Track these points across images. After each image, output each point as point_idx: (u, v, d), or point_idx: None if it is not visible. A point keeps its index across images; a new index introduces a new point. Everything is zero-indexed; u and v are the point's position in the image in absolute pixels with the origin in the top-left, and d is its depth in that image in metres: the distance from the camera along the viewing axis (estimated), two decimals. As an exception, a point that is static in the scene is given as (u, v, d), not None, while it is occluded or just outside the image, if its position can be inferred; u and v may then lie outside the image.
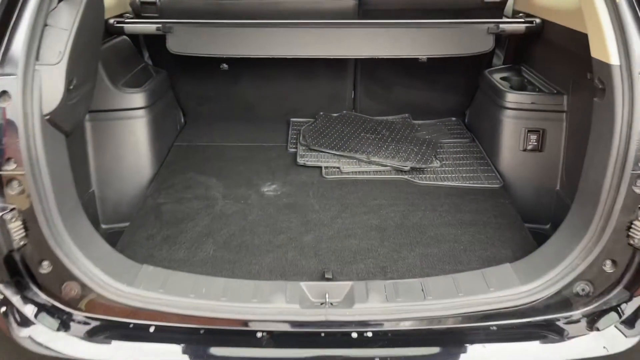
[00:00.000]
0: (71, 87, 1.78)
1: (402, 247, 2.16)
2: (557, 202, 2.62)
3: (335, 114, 3.41)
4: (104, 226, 2.69)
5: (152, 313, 1.77)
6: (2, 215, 1.62)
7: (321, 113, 3.41)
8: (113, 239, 2.54)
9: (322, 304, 1.80)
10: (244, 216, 2.38)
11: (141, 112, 2.72)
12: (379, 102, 3.48)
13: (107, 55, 2.70)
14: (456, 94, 3.44)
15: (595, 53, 1.78)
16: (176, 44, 2.90)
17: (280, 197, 2.54)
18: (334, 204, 2.47)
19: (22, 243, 1.67)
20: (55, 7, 1.74)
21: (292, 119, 3.41)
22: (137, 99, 2.71)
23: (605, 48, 1.69)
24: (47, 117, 1.70)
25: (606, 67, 1.69)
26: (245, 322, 1.77)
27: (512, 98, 2.71)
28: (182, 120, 3.41)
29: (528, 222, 2.58)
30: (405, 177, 2.70)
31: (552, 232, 2.68)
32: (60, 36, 1.72)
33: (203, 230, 2.28)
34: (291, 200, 2.51)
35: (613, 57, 1.67)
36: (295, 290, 1.84)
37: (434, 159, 2.84)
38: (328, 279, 1.95)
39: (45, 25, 1.70)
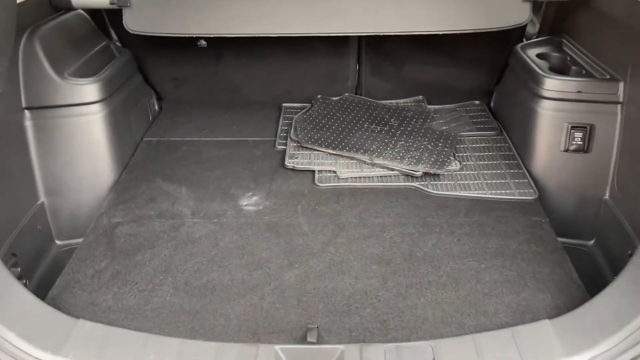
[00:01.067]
0: None
1: (409, 290, 1.70)
2: (605, 214, 2.12)
3: (335, 98, 2.89)
4: (59, 242, 2.29)
5: (83, 392, 1.37)
6: None
7: (319, 97, 2.90)
8: (68, 259, 2.16)
9: (302, 378, 1.38)
10: (214, 242, 1.93)
11: (96, 107, 2.24)
12: (388, 82, 2.94)
13: (50, 36, 2.21)
14: (480, 71, 2.87)
15: None
16: (135, 21, 2.37)
17: (262, 213, 2.07)
18: (326, 223, 2.01)
19: None
20: None
21: (284, 104, 2.90)
22: (89, 90, 2.23)
23: None
24: None
25: None
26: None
27: (553, 85, 2.16)
28: (156, 106, 2.92)
29: (566, 236, 2.11)
30: (416, 184, 2.20)
31: (596, 250, 2.21)
32: None
33: (162, 263, 1.84)
34: (274, 218, 2.04)
35: None
36: (269, 357, 1.42)
37: (452, 159, 2.33)
38: (311, 343, 1.51)
39: None
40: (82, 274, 1.80)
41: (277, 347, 1.47)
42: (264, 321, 1.61)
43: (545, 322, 1.51)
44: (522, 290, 1.69)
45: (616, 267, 1.84)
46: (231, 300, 1.68)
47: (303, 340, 1.53)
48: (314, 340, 1.51)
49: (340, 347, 1.47)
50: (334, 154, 2.39)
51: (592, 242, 2.22)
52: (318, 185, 2.22)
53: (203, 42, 2.75)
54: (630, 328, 1.37)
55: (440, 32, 2.35)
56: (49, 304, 1.63)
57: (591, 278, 1.83)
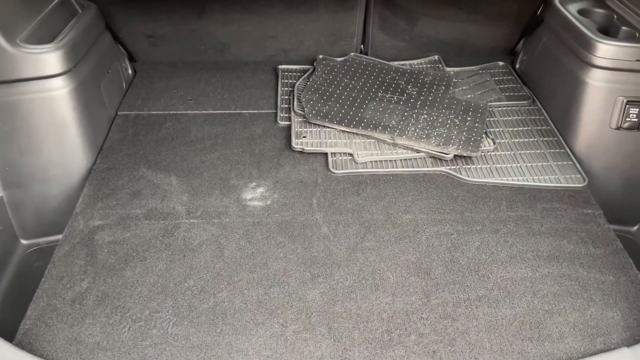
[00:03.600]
0: None
1: (457, 310, 1.44)
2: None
3: (339, 59, 2.51)
4: (24, 242, 1.95)
5: None
6: None
7: (320, 57, 2.51)
8: (38, 261, 1.84)
9: None
10: (218, 251, 1.61)
11: (60, 81, 1.82)
12: (399, 39, 2.56)
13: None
14: (504, 26, 2.51)
15: None
16: None
17: (271, 210, 1.75)
18: (349, 222, 1.70)
19: None
20: None
21: (280, 67, 2.50)
22: (50, 60, 1.79)
23: None
24: None
25: None
26: None
27: (607, 51, 1.84)
28: (130, 70, 2.48)
29: (609, 222, 1.87)
30: (447, 169, 1.90)
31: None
32: None
33: (158, 281, 1.52)
34: (286, 216, 1.73)
35: None
36: None
37: (486, 137, 2.03)
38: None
39: None
40: (59, 299, 1.47)
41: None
42: (290, 357, 1.33)
43: (624, 352, 1.29)
44: (588, 305, 1.46)
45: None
46: (247, 330, 1.39)
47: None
48: (356, 387, 1.25)
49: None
50: (348, 132, 2.05)
51: (635, 228, 2.01)
52: (333, 172, 1.89)
53: (183, -7, 2.30)
54: None
55: None
56: (21, 342, 1.31)
57: (638, 267, 1.60)
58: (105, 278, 1.53)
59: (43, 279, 1.53)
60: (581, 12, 2.12)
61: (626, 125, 1.86)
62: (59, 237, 1.68)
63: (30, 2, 1.93)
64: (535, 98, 2.27)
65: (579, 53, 1.93)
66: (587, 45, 1.89)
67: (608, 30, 2.03)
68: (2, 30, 1.71)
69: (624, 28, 1.98)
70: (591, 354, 1.32)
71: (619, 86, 1.85)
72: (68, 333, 1.38)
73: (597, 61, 1.86)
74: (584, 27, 1.96)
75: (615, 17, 2.06)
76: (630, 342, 1.35)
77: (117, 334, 1.38)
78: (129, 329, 1.40)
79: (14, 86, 1.76)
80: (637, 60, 1.80)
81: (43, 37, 1.86)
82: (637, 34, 1.92)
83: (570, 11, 2.11)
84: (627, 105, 1.84)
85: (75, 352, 1.34)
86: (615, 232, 1.94)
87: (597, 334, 1.39)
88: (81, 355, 1.33)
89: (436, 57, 2.57)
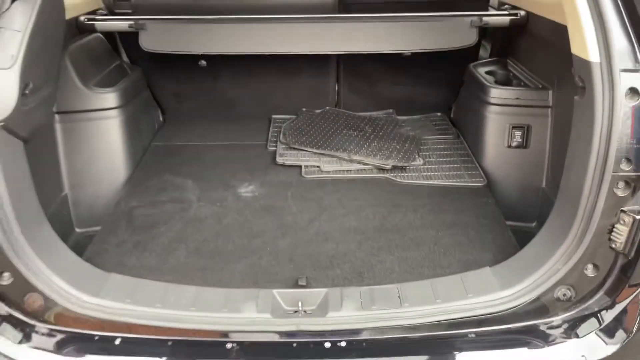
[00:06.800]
0: (27, 91, 1.70)
1: (380, 251, 2.10)
2: (543, 200, 2.55)
3: (318, 111, 3.33)
4: (78, 230, 2.62)
5: (119, 325, 1.71)
6: (-43, 227, 1.55)
7: (303, 109, 3.34)
8: (88, 242, 2.48)
9: (295, 312, 1.75)
10: (218, 220, 2.31)
11: (114, 112, 2.64)
12: (363, 98, 3.40)
13: (78, 54, 2.60)
14: (441, 88, 3.36)
15: (575, 49, 1.70)
16: (149, 41, 2.81)
17: (257, 198, 2.47)
18: (312, 205, 2.40)
19: None
20: (8, 8, 1.66)
21: (273, 116, 3.33)
22: (109, 98, 2.62)
23: (585, 44, 1.61)
24: (1, 123, 1.62)
25: (586, 64, 1.62)
26: (214, 333, 1.71)
27: (497, 93, 2.63)
28: (161, 118, 3.32)
29: (513, 220, 2.51)
30: (387, 175, 2.63)
31: (537, 231, 2.64)
32: (13, 38, 1.64)
33: (175, 235, 2.21)
34: (268, 202, 2.44)
35: (592, 54, 1.60)
36: (268, 298, 1.79)
37: (416, 156, 2.77)
38: (302, 286, 1.89)
39: None
40: (109, 244, 2.16)
41: (274, 290, 1.83)
42: (262, 274, 1.98)
43: (486, 269, 1.91)
44: (471, 250, 2.10)
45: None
46: (235, 261, 2.05)
47: (295, 285, 1.90)
48: (304, 284, 1.89)
49: (325, 290, 1.84)
50: (317, 153, 2.81)
51: (534, 224, 2.64)
52: (304, 177, 2.63)
53: (203, 62, 3.19)
54: (544, 268, 1.76)
55: (404, 51, 2.84)
56: (85, 262, 1.98)
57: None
58: (139, 233, 2.22)
59: (96, 234, 2.22)
60: (488, 72, 2.95)
61: (514, 144, 2.60)
62: None
63: (98, 64, 2.80)
64: (459, 134, 3.04)
65: (481, 96, 2.72)
66: (485, 90, 2.68)
67: (506, 83, 2.83)
68: (82, 78, 2.55)
69: (515, 81, 2.79)
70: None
71: (507, 116, 2.60)
72: (114, 261, 2.06)
73: (492, 100, 2.64)
74: (485, 80, 2.77)
75: (511, 74, 2.88)
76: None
77: (146, 261, 2.05)
78: (154, 259, 2.06)
79: (85, 114, 2.56)
80: (516, 98, 2.58)
81: (106, 84, 2.70)
82: (522, 83, 2.72)
83: (479, 72, 2.93)
84: (512, 129, 2.59)
85: (119, 270, 1.98)
86: (518, 228, 2.59)
87: (473, 264, 2.00)
88: (123, 272, 1.97)
89: (391, 110, 3.39)
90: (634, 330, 1.68)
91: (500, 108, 2.62)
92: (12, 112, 1.63)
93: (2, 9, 1.62)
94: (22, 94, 1.66)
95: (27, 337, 1.70)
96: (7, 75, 1.61)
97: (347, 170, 2.68)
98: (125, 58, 3.25)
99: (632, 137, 1.56)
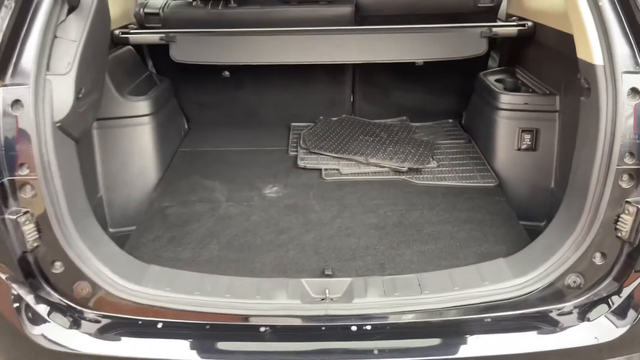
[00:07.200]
0: (80, 95, 1.87)
1: (399, 245, 2.23)
2: (552, 200, 2.68)
3: (334, 118, 3.49)
4: (111, 230, 2.77)
5: (160, 310, 1.85)
6: (16, 218, 1.70)
7: (321, 117, 3.50)
8: (120, 242, 2.61)
9: (322, 299, 1.88)
10: (246, 218, 2.46)
11: (146, 119, 2.81)
12: (377, 106, 3.57)
13: (113, 65, 2.79)
14: (453, 96, 3.51)
15: (580, 54, 1.85)
16: (179, 53, 2.99)
17: (282, 198, 2.62)
18: (333, 204, 2.55)
19: (35, 245, 1.76)
20: (65, 20, 1.84)
21: (292, 124, 3.49)
22: (142, 106, 2.80)
23: (589, 49, 1.76)
24: (58, 124, 1.79)
25: (591, 67, 1.77)
26: (248, 318, 1.84)
27: (506, 99, 2.78)
28: (186, 126, 3.50)
29: (524, 219, 2.64)
30: (403, 177, 2.78)
31: (547, 229, 2.76)
32: (70, 47, 1.82)
33: (207, 231, 2.36)
34: (292, 201, 2.59)
35: (597, 58, 1.75)
36: (297, 286, 1.91)
37: (431, 159, 2.91)
38: (328, 276, 2.03)
39: (55, 37, 1.79)
40: (145, 239, 2.31)
41: (303, 280, 1.97)
42: (290, 266, 2.12)
43: (500, 260, 2.04)
44: (485, 244, 2.24)
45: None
46: (264, 254, 2.20)
47: (322, 275, 2.04)
48: (330, 274, 2.03)
49: (350, 279, 1.97)
50: (336, 157, 2.96)
51: (543, 223, 2.76)
52: (325, 179, 2.78)
53: (226, 73, 3.37)
54: (555, 257, 1.88)
55: (419, 60, 3.01)
56: (125, 255, 2.13)
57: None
58: (173, 230, 2.37)
59: (133, 232, 2.38)
60: (498, 80, 3.10)
61: (523, 147, 2.74)
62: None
63: (130, 74, 2.99)
64: (471, 139, 3.19)
65: (491, 103, 2.87)
66: (495, 97, 2.84)
67: (515, 90, 2.98)
68: (117, 87, 2.73)
69: (523, 88, 2.94)
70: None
71: (516, 121, 2.75)
72: (152, 254, 2.21)
73: (502, 105, 2.79)
74: (495, 87, 2.93)
75: (520, 82, 3.03)
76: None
77: (181, 254, 2.20)
78: (188, 252, 2.21)
79: (120, 121, 2.74)
80: (525, 104, 2.72)
81: (138, 93, 2.88)
82: (530, 91, 2.87)
83: (489, 80, 3.09)
84: (522, 133, 2.73)
85: (157, 262, 2.13)
86: (529, 227, 2.71)
87: (488, 256, 2.13)
88: (160, 263, 2.12)
89: (405, 117, 3.54)
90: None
91: (510, 113, 2.77)
92: (68, 113, 1.80)
93: (59, 20, 1.80)
94: (76, 98, 1.83)
95: (76, 323, 1.84)
96: (65, 81, 1.78)
97: (365, 173, 2.83)
98: (152, 69, 3.44)
99: (635, 132, 1.70)
